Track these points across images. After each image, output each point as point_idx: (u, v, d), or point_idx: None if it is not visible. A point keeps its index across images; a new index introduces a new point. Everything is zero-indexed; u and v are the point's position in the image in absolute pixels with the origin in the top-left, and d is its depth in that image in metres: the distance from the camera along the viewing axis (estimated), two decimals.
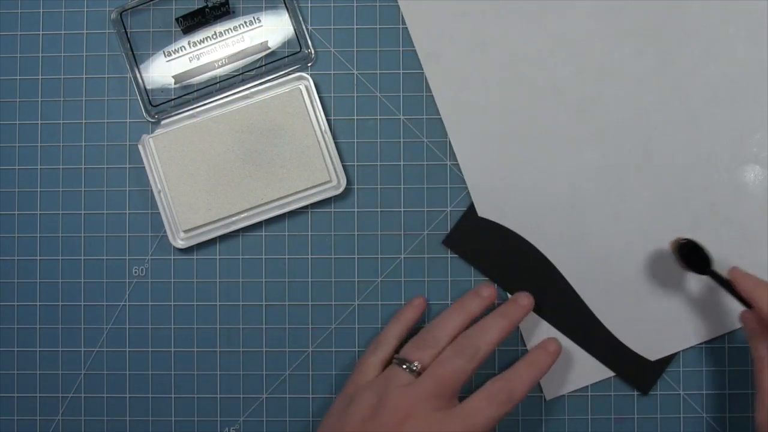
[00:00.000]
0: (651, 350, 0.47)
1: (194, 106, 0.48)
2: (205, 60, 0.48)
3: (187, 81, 0.48)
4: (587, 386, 0.47)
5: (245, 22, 0.48)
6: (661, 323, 0.47)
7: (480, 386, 0.42)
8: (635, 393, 0.47)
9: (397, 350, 0.44)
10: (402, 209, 0.48)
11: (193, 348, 0.48)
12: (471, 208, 0.48)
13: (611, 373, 0.47)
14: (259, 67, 0.48)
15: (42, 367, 0.49)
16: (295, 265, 0.48)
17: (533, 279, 0.47)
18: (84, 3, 0.49)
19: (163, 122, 0.48)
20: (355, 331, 0.48)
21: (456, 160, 0.48)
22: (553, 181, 0.47)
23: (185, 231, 0.47)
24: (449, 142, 0.48)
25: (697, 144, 0.47)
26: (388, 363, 0.44)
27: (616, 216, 0.47)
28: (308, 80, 0.48)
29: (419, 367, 0.42)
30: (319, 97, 0.48)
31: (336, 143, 0.48)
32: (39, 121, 0.49)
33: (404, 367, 0.42)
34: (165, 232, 0.48)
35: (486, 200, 0.48)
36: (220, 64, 0.48)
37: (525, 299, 0.45)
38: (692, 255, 0.44)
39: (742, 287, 0.43)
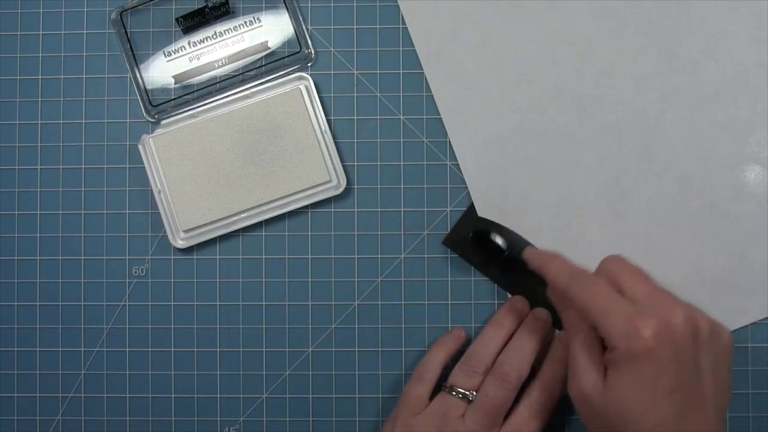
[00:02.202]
0: None
1: (194, 106, 0.48)
2: (205, 60, 0.48)
3: (187, 81, 0.48)
4: None
5: (245, 22, 0.48)
6: None
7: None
8: None
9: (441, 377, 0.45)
10: (402, 209, 0.48)
11: (193, 348, 0.48)
12: (471, 208, 0.48)
13: None
14: (259, 67, 0.48)
15: (42, 367, 0.49)
16: (295, 265, 0.48)
17: (533, 279, 0.47)
18: (84, 3, 0.49)
19: (163, 122, 0.48)
20: (355, 331, 0.48)
21: (456, 160, 0.48)
22: (553, 180, 0.47)
23: (185, 231, 0.47)
24: (449, 142, 0.48)
25: (697, 144, 0.47)
26: (434, 391, 0.44)
27: (616, 216, 0.47)
28: (308, 80, 0.48)
29: (474, 395, 0.42)
30: (319, 97, 0.48)
31: (336, 143, 0.48)
32: (39, 121, 0.49)
33: (459, 396, 0.43)
34: (165, 232, 0.48)
35: (486, 200, 0.48)
36: (220, 64, 0.48)
37: (544, 314, 0.46)
38: (486, 244, 0.46)
39: (533, 265, 0.43)
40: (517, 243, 0.47)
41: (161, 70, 0.48)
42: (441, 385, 0.44)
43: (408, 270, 0.48)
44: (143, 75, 0.48)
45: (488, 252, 0.47)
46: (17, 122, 0.49)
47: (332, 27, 0.49)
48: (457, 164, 0.48)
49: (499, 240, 0.46)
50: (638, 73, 0.48)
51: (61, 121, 0.49)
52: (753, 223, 0.47)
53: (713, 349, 0.38)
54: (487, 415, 0.42)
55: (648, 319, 0.36)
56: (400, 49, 0.48)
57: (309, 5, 0.49)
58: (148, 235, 0.48)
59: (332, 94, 0.49)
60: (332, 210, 0.48)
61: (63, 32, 0.49)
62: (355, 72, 0.49)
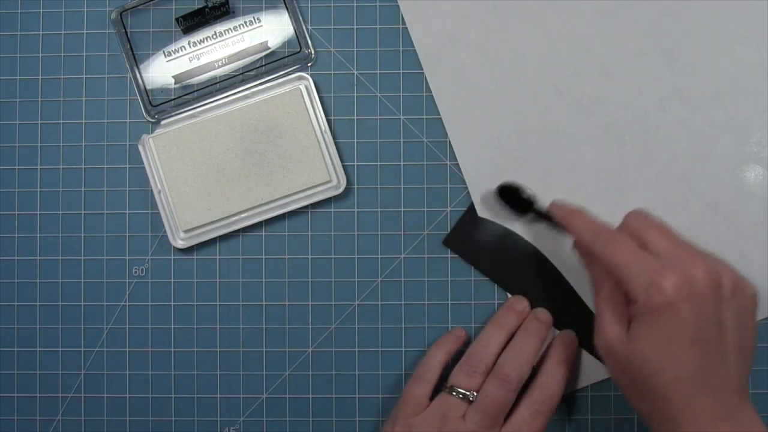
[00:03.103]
0: None
1: (194, 106, 0.48)
2: (205, 60, 0.48)
3: (187, 81, 0.48)
4: (587, 386, 0.47)
5: (245, 22, 0.48)
6: None
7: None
8: None
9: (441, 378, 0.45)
10: (402, 209, 0.48)
11: (193, 348, 0.48)
12: (471, 208, 0.48)
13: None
14: (259, 67, 0.48)
15: (42, 367, 0.49)
16: (295, 265, 0.48)
17: (533, 279, 0.47)
18: (84, 3, 0.49)
19: (163, 122, 0.48)
20: (355, 331, 0.48)
21: (456, 160, 0.48)
22: (553, 180, 0.47)
23: (185, 231, 0.47)
24: (449, 142, 0.48)
25: (697, 144, 0.47)
26: (433, 391, 0.44)
27: (616, 216, 0.47)
28: (308, 80, 0.48)
29: (475, 395, 0.43)
30: (319, 97, 0.48)
31: (336, 143, 0.48)
32: (39, 121, 0.49)
33: (459, 396, 0.43)
34: (165, 232, 0.48)
35: (486, 200, 0.48)
36: (220, 64, 0.48)
37: (544, 315, 0.46)
38: (514, 198, 0.46)
39: (558, 218, 0.43)
40: (519, 243, 0.47)
41: (161, 70, 0.48)
42: (441, 385, 0.44)
43: (408, 270, 0.48)
44: (143, 75, 0.48)
45: (516, 205, 0.46)
46: (17, 122, 0.49)
47: (332, 27, 0.49)
48: (457, 164, 0.48)
49: (522, 190, 0.46)
50: (638, 73, 0.48)
51: (61, 121, 0.49)
52: (753, 224, 0.47)
53: (736, 303, 0.38)
54: (487, 415, 0.42)
55: (669, 272, 0.36)
56: (400, 49, 0.48)
57: (309, 5, 0.49)
58: (148, 235, 0.48)
59: (332, 94, 0.49)
60: (332, 210, 0.48)
61: (63, 32, 0.49)
62: (355, 72, 0.49)
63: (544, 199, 0.47)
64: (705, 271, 0.37)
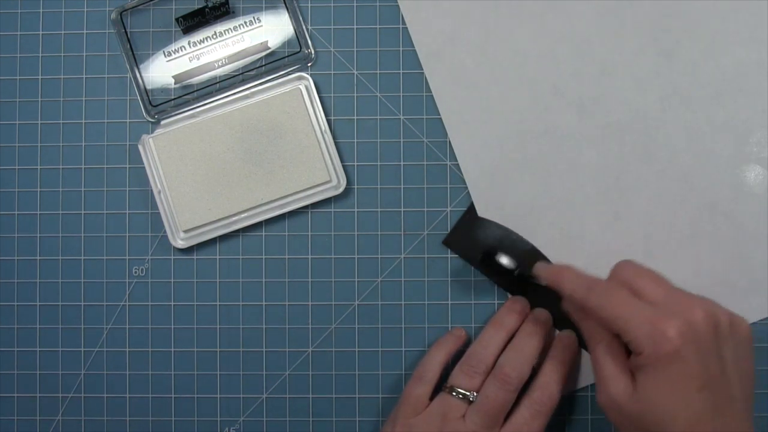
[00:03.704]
0: None
1: (194, 106, 0.48)
2: (205, 60, 0.48)
3: (187, 81, 0.48)
4: (587, 386, 0.47)
5: (245, 22, 0.48)
6: None
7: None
8: None
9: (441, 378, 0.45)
10: (402, 209, 0.48)
11: (193, 348, 0.48)
12: (471, 208, 0.48)
13: None
14: (259, 67, 0.48)
15: (42, 367, 0.49)
16: (295, 265, 0.48)
17: (533, 279, 0.47)
18: (84, 3, 0.49)
19: (163, 122, 0.48)
20: (355, 331, 0.48)
21: (456, 160, 0.48)
22: (553, 180, 0.47)
23: (185, 231, 0.47)
24: (449, 142, 0.48)
25: (697, 144, 0.47)
26: (433, 391, 0.44)
27: (616, 216, 0.47)
28: (308, 80, 0.48)
29: (475, 396, 0.42)
30: (319, 97, 0.48)
31: (336, 143, 0.48)
32: (39, 121, 0.49)
33: (459, 396, 0.43)
34: (165, 232, 0.48)
35: (486, 200, 0.48)
36: (220, 64, 0.48)
37: (544, 315, 0.46)
38: (495, 264, 0.46)
39: (546, 279, 0.43)
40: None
41: (161, 70, 0.48)
42: (441, 385, 0.44)
43: (408, 270, 0.48)
44: (143, 75, 0.48)
45: (499, 271, 0.46)
46: (17, 122, 0.49)
47: (332, 27, 0.49)
48: (457, 164, 0.48)
49: (505, 259, 0.46)
50: (638, 73, 0.48)
51: (61, 121, 0.49)
52: (753, 223, 0.47)
53: (734, 341, 0.38)
54: (487, 416, 0.42)
55: (671, 319, 0.36)
56: (400, 49, 0.48)
57: (309, 5, 0.49)
58: (148, 235, 0.48)
59: (332, 94, 0.49)
60: (332, 210, 0.48)
61: (63, 32, 0.49)
62: (355, 72, 0.49)
63: (544, 198, 0.47)
64: (704, 314, 0.37)
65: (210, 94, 0.48)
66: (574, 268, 0.42)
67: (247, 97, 0.48)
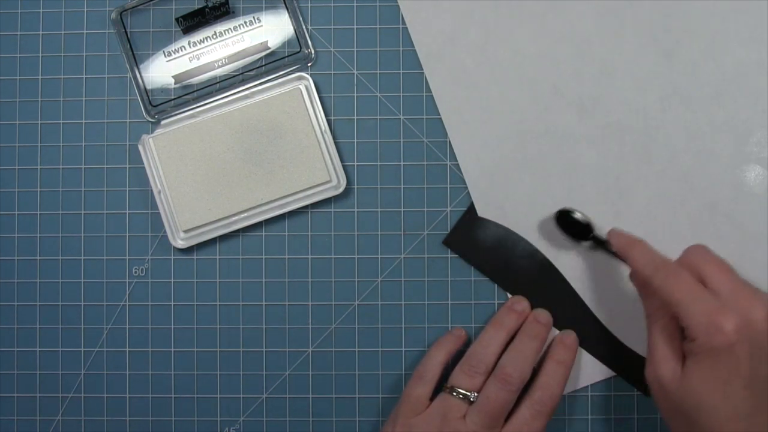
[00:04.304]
0: None
1: (194, 106, 0.48)
2: (205, 60, 0.48)
3: (187, 81, 0.48)
4: (587, 386, 0.47)
5: (245, 22, 0.48)
6: None
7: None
8: (635, 393, 0.47)
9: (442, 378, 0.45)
10: (402, 209, 0.48)
11: (193, 348, 0.48)
12: (471, 208, 0.48)
13: (611, 373, 0.47)
14: (259, 67, 0.48)
15: (42, 367, 0.49)
16: (295, 265, 0.48)
17: (533, 279, 0.47)
18: (84, 3, 0.49)
19: (163, 122, 0.48)
20: (355, 331, 0.48)
21: (456, 160, 0.48)
22: (553, 180, 0.47)
23: (185, 231, 0.47)
24: (449, 142, 0.48)
25: (697, 144, 0.47)
26: (434, 391, 0.44)
27: (616, 216, 0.47)
28: (308, 80, 0.48)
29: (475, 396, 0.43)
30: (319, 97, 0.48)
31: (336, 143, 0.48)
32: (39, 121, 0.49)
33: (459, 396, 0.43)
34: (165, 232, 0.48)
35: (486, 200, 0.48)
36: (220, 64, 0.48)
37: (544, 317, 0.46)
38: (573, 224, 0.46)
39: (617, 246, 0.43)
40: (519, 243, 0.47)
41: (161, 70, 0.48)
42: (441, 385, 0.44)
43: (408, 270, 0.48)
44: (143, 75, 0.48)
45: (573, 231, 0.46)
46: (17, 122, 0.49)
47: (332, 27, 0.49)
48: (457, 164, 0.48)
49: (581, 216, 0.46)
50: (638, 73, 0.48)
51: (61, 121, 0.49)
52: (753, 223, 0.47)
53: None
54: (488, 416, 0.42)
55: (730, 313, 0.37)
56: (400, 49, 0.48)
57: (309, 5, 0.49)
58: (148, 235, 0.48)
59: (332, 94, 0.49)
60: (332, 210, 0.48)
61: (63, 32, 0.49)
62: (355, 72, 0.49)
63: (544, 198, 0.47)
64: (764, 314, 0.37)
65: (210, 94, 0.48)
66: (646, 243, 0.42)
67: (247, 97, 0.48)
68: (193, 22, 0.48)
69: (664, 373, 0.39)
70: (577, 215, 0.46)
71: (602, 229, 0.47)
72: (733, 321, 0.36)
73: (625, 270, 0.47)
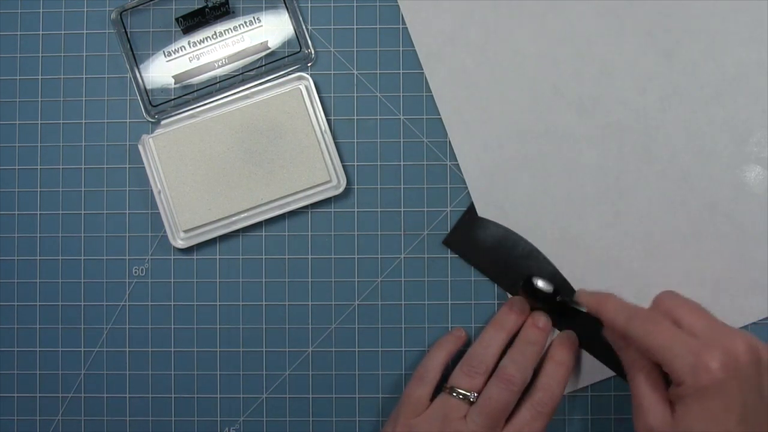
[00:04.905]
0: None
1: (194, 106, 0.48)
2: (205, 60, 0.48)
3: (187, 81, 0.48)
4: (587, 386, 0.47)
5: (245, 22, 0.48)
6: None
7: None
8: None
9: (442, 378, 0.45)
10: (402, 209, 0.48)
11: (193, 348, 0.48)
12: (471, 208, 0.48)
13: (611, 373, 0.47)
14: (259, 67, 0.48)
15: (42, 367, 0.49)
16: (295, 265, 0.48)
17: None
18: (84, 3, 0.49)
19: (163, 122, 0.48)
20: (355, 331, 0.48)
21: (456, 160, 0.48)
22: (553, 180, 0.47)
23: (185, 231, 0.47)
24: (449, 142, 0.48)
25: (697, 144, 0.47)
26: (434, 392, 0.44)
27: (616, 216, 0.47)
28: (308, 80, 0.48)
29: (475, 396, 0.42)
30: (319, 97, 0.48)
31: (336, 143, 0.48)
32: (39, 121, 0.49)
33: (460, 397, 0.43)
34: (165, 232, 0.48)
35: (486, 200, 0.48)
36: (220, 64, 0.48)
37: (542, 321, 0.46)
38: (538, 291, 0.46)
39: (588, 306, 0.43)
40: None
41: (161, 70, 0.48)
42: (441, 386, 0.44)
43: (408, 270, 0.48)
44: (143, 75, 0.48)
45: (540, 297, 0.46)
46: (17, 122, 0.49)
47: (332, 27, 0.49)
48: (457, 164, 0.48)
49: (544, 285, 0.46)
50: (638, 73, 0.48)
51: (61, 121, 0.49)
52: (753, 223, 0.47)
53: None
54: (489, 417, 0.42)
55: (713, 351, 0.36)
56: (400, 49, 0.48)
57: (309, 5, 0.49)
58: (148, 235, 0.48)
59: (332, 94, 0.49)
60: (332, 210, 0.48)
61: (63, 32, 0.49)
62: (355, 72, 0.49)
63: (544, 198, 0.47)
64: (746, 347, 0.37)
65: (210, 94, 0.48)
66: (616, 296, 0.42)
67: (247, 97, 0.48)
68: (193, 22, 0.48)
69: (654, 422, 0.38)
70: (540, 284, 0.46)
71: (597, 234, 0.47)
72: (717, 358, 0.36)
73: (625, 270, 0.47)
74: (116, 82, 0.49)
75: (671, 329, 0.38)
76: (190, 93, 0.48)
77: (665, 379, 0.39)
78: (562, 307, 0.46)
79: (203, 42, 0.48)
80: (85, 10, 0.49)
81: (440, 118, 0.48)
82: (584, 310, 0.43)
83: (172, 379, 0.48)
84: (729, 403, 0.36)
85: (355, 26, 0.49)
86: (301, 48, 0.48)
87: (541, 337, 0.45)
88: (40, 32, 0.49)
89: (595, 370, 0.47)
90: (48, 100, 0.49)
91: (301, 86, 0.47)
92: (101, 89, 0.49)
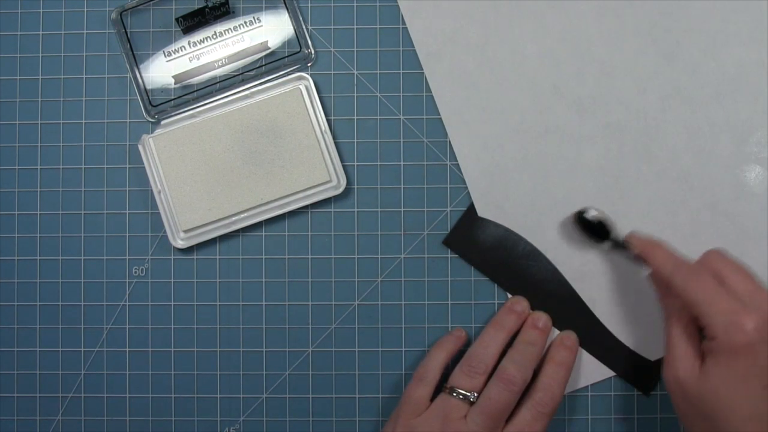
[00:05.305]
0: (651, 350, 0.47)
1: (194, 106, 0.48)
2: (205, 60, 0.48)
3: (187, 81, 0.48)
4: (587, 386, 0.47)
5: (245, 22, 0.48)
6: (661, 323, 0.47)
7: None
8: (635, 393, 0.47)
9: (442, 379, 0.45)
10: (402, 209, 0.48)
11: (193, 348, 0.48)
12: (471, 208, 0.48)
13: (611, 373, 0.47)
14: (259, 67, 0.48)
15: (42, 367, 0.49)
16: (295, 265, 0.48)
17: (533, 279, 0.47)
18: (84, 3, 0.49)
19: (163, 122, 0.48)
20: (355, 331, 0.48)
21: (456, 160, 0.48)
22: (553, 180, 0.47)
23: (185, 231, 0.47)
24: (449, 142, 0.48)
25: (697, 144, 0.47)
26: (434, 392, 0.44)
27: (616, 216, 0.47)
28: (308, 80, 0.48)
29: (475, 396, 0.42)
30: (319, 97, 0.48)
31: (336, 143, 0.48)
32: (39, 121, 0.49)
33: (460, 397, 0.43)
34: (165, 232, 0.48)
35: (486, 200, 0.48)
36: (220, 64, 0.48)
37: (542, 321, 0.46)
38: (592, 226, 0.46)
39: (637, 248, 0.44)
40: (519, 243, 0.47)
41: (161, 70, 0.48)
42: (442, 386, 0.44)
43: (408, 270, 0.48)
44: (143, 75, 0.48)
45: (593, 233, 0.46)
46: (17, 122, 0.49)
47: (332, 27, 0.49)
48: (457, 164, 0.48)
49: (599, 216, 0.46)
50: (638, 73, 0.48)
51: (61, 121, 0.49)
52: (753, 223, 0.47)
53: None
54: (490, 417, 0.42)
55: (750, 313, 0.37)
56: (400, 49, 0.48)
57: (309, 5, 0.49)
58: (148, 235, 0.48)
59: (332, 94, 0.49)
60: (332, 210, 0.48)
61: (63, 32, 0.49)
62: (355, 72, 0.49)
63: (544, 198, 0.47)
64: None
65: (210, 94, 0.48)
66: (666, 245, 0.43)
67: (247, 97, 0.48)
68: (193, 22, 0.48)
69: (682, 372, 0.39)
70: (593, 214, 0.46)
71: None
72: (753, 320, 0.37)
73: (624, 270, 0.47)
74: (116, 82, 0.49)
75: (713, 285, 0.39)
76: (190, 93, 0.48)
77: (700, 334, 0.40)
78: (613, 245, 0.46)
79: (203, 42, 0.48)
80: (85, 10, 0.49)
81: (440, 118, 0.48)
82: (633, 252, 0.44)
83: (172, 379, 0.48)
84: (757, 366, 0.37)
85: (355, 26, 0.49)
86: (301, 48, 0.48)
87: (540, 338, 0.45)
88: (40, 32, 0.49)
89: (595, 370, 0.47)
90: (48, 100, 0.49)
91: (301, 86, 0.47)
92: (101, 89, 0.49)
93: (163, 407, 0.48)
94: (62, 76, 0.49)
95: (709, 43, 0.47)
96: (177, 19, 0.48)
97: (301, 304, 0.48)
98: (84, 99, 0.49)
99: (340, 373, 0.48)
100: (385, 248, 0.48)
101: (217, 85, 0.48)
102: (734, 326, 0.37)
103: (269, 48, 0.48)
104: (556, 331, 0.47)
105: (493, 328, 0.45)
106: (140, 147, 0.48)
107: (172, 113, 0.48)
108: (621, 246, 0.45)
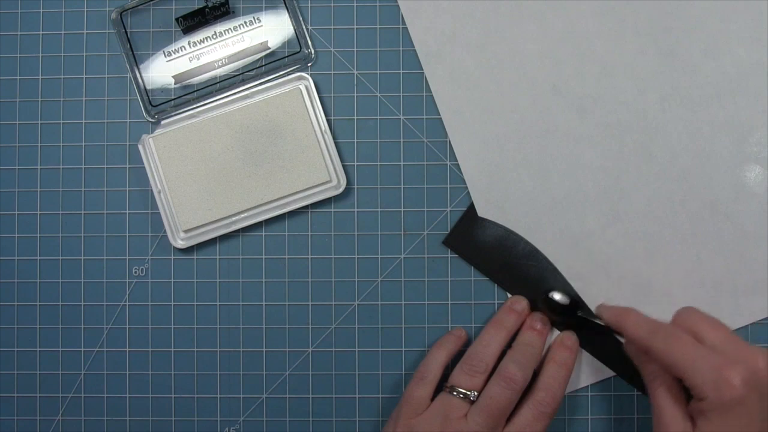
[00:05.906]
0: None
1: (194, 106, 0.48)
2: (205, 60, 0.48)
3: (187, 81, 0.48)
4: (587, 386, 0.47)
5: (245, 22, 0.48)
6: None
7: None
8: (635, 393, 0.47)
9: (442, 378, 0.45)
10: (402, 209, 0.48)
11: (193, 348, 0.48)
12: (471, 208, 0.48)
13: (611, 373, 0.47)
14: (259, 67, 0.48)
15: (42, 367, 0.49)
16: (295, 265, 0.48)
17: (533, 279, 0.47)
18: (84, 3, 0.49)
19: (163, 122, 0.48)
20: (355, 331, 0.48)
21: (456, 160, 0.48)
22: (553, 180, 0.47)
23: (185, 231, 0.47)
24: (449, 142, 0.48)
25: (697, 144, 0.47)
26: (435, 391, 0.44)
27: (616, 216, 0.47)
28: (308, 80, 0.48)
29: (476, 395, 0.42)
30: (319, 97, 0.48)
31: (336, 143, 0.48)
32: (39, 121, 0.49)
33: (460, 396, 0.43)
34: (165, 232, 0.48)
35: (486, 200, 0.48)
36: (220, 64, 0.48)
37: (539, 323, 0.46)
38: (560, 306, 0.46)
39: (609, 320, 0.43)
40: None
41: (161, 70, 0.48)
42: (442, 385, 0.44)
43: (408, 270, 0.48)
44: (143, 75, 0.48)
45: (558, 312, 0.46)
46: (17, 122, 0.49)
47: (332, 27, 0.49)
48: (457, 164, 0.48)
49: (563, 299, 0.46)
50: (638, 73, 0.48)
51: (61, 121, 0.49)
52: (753, 223, 0.47)
53: None
54: (490, 416, 0.42)
55: (736, 367, 0.37)
56: (400, 49, 0.48)
57: (309, 5, 0.49)
58: (148, 235, 0.48)
59: (332, 94, 0.49)
60: (332, 210, 0.48)
61: (63, 32, 0.49)
62: (355, 72, 0.49)
63: (544, 198, 0.47)
64: (766, 362, 0.37)
65: (210, 94, 0.48)
66: (636, 311, 0.42)
67: (247, 97, 0.48)
68: (193, 22, 0.48)
69: None
70: (558, 297, 0.46)
71: (597, 234, 0.47)
72: (739, 374, 0.37)
73: (625, 270, 0.47)
74: (116, 82, 0.49)
75: (693, 345, 0.38)
76: (190, 93, 0.48)
77: (686, 394, 0.39)
78: (582, 321, 0.46)
79: (203, 42, 0.48)
80: (85, 10, 0.49)
81: (440, 118, 0.48)
82: (604, 324, 0.44)
83: (172, 379, 0.48)
84: (750, 419, 0.36)
85: (355, 26, 0.49)
86: (301, 48, 0.48)
87: (539, 339, 0.45)
88: (40, 32, 0.49)
89: (595, 370, 0.47)
90: (48, 100, 0.49)
91: (301, 86, 0.47)
92: (101, 89, 0.49)
93: (163, 407, 0.48)
94: (62, 76, 0.49)
95: (709, 43, 0.47)
96: (177, 19, 0.48)
97: (301, 304, 0.48)
98: (84, 99, 0.49)
99: (340, 373, 0.48)
100: (385, 248, 0.48)
101: (217, 85, 0.48)
102: (723, 383, 0.36)
103: (269, 48, 0.48)
104: (557, 332, 0.47)
105: (493, 328, 0.45)
106: (140, 147, 0.48)
107: (172, 113, 0.48)
108: (592, 318, 0.45)
